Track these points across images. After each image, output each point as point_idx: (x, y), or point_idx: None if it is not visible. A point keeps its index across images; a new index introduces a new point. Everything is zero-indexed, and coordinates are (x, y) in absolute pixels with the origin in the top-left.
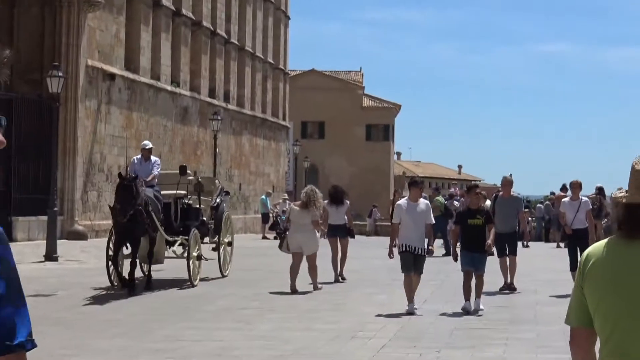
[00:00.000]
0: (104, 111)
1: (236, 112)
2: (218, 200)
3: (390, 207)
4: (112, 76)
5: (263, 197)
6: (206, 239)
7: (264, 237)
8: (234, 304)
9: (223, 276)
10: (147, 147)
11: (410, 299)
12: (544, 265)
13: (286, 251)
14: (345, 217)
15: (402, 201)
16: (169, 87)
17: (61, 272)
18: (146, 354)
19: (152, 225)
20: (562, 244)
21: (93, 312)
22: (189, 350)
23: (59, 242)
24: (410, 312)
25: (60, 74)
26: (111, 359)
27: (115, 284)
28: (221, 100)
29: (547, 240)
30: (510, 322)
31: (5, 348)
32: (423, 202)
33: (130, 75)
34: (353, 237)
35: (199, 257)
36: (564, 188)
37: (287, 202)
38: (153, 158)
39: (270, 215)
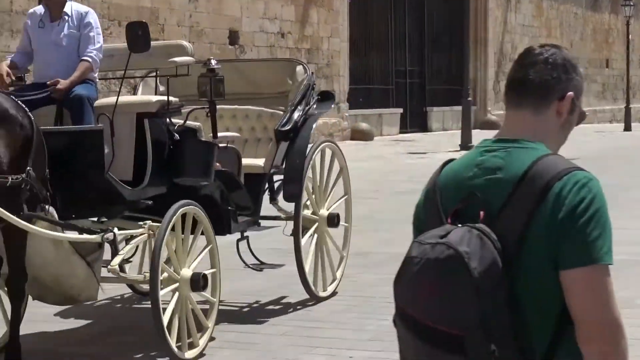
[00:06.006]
0: (513, 0)
1: None
2: (295, 115)
3: None
4: None
5: None
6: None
7: None
8: None
9: (314, 296)
10: None
11: None
12: None
13: None
14: None
15: None
16: None
17: None
18: None
19: None
20: None
21: None
22: None
23: (472, 131)
24: None
25: None
26: None
27: None
28: None
29: None
30: None
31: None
32: None
33: None
34: None
35: (196, 284)
36: None
37: None
38: (80, 8)
39: None
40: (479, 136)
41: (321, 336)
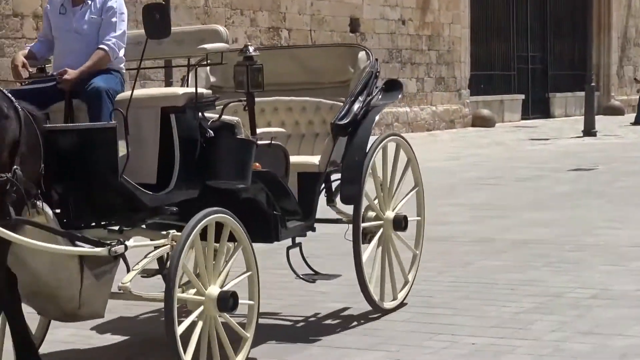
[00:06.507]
0: None
1: None
2: (355, 107)
3: None
4: None
5: None
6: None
7: None
8: None
9: (378, 309)
10: None
11: None
12: None
13: None
14: None
15: None
16: None
17: (600, 146)
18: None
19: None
20: None
21: (633, 186)
22: None
23: (596, 117)
24: None
25: None
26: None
27: None
28: None
29: None
30: None
31: None
32: None
33: None
34: None
35: (224, 304)
36: None
37: None
38: None
39: None
40: (602, 122)
41: (443, 322)
